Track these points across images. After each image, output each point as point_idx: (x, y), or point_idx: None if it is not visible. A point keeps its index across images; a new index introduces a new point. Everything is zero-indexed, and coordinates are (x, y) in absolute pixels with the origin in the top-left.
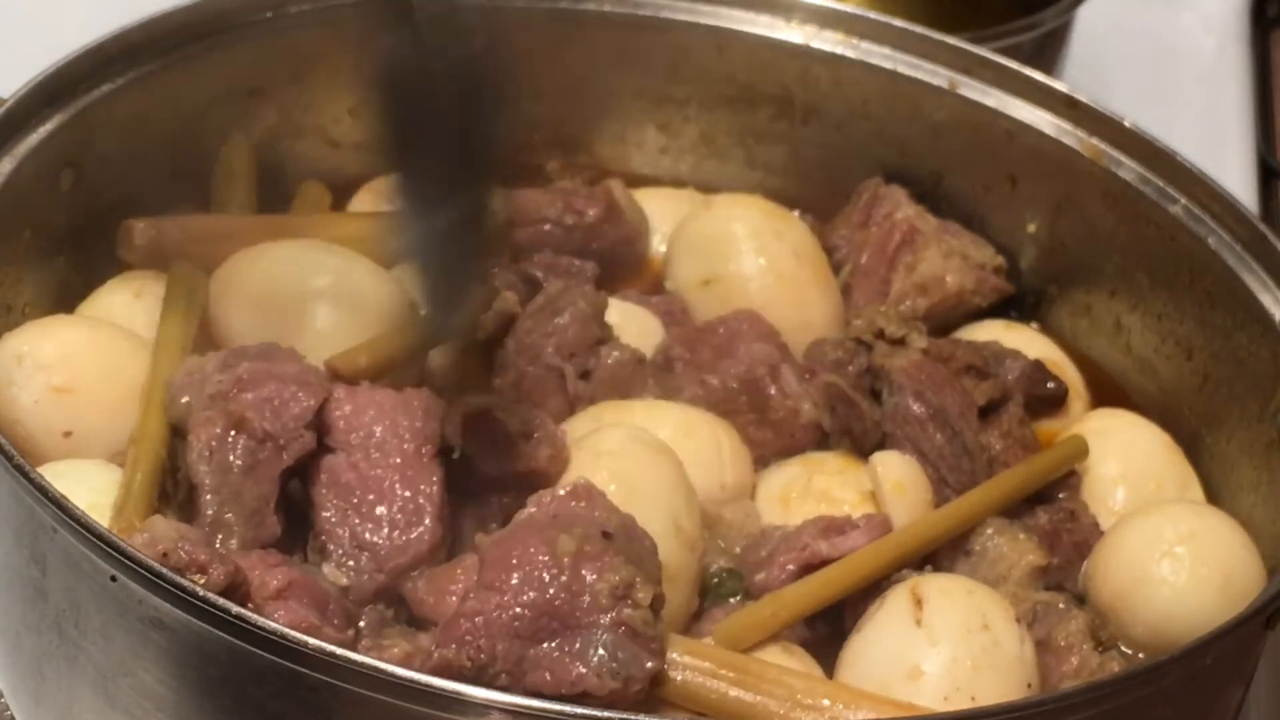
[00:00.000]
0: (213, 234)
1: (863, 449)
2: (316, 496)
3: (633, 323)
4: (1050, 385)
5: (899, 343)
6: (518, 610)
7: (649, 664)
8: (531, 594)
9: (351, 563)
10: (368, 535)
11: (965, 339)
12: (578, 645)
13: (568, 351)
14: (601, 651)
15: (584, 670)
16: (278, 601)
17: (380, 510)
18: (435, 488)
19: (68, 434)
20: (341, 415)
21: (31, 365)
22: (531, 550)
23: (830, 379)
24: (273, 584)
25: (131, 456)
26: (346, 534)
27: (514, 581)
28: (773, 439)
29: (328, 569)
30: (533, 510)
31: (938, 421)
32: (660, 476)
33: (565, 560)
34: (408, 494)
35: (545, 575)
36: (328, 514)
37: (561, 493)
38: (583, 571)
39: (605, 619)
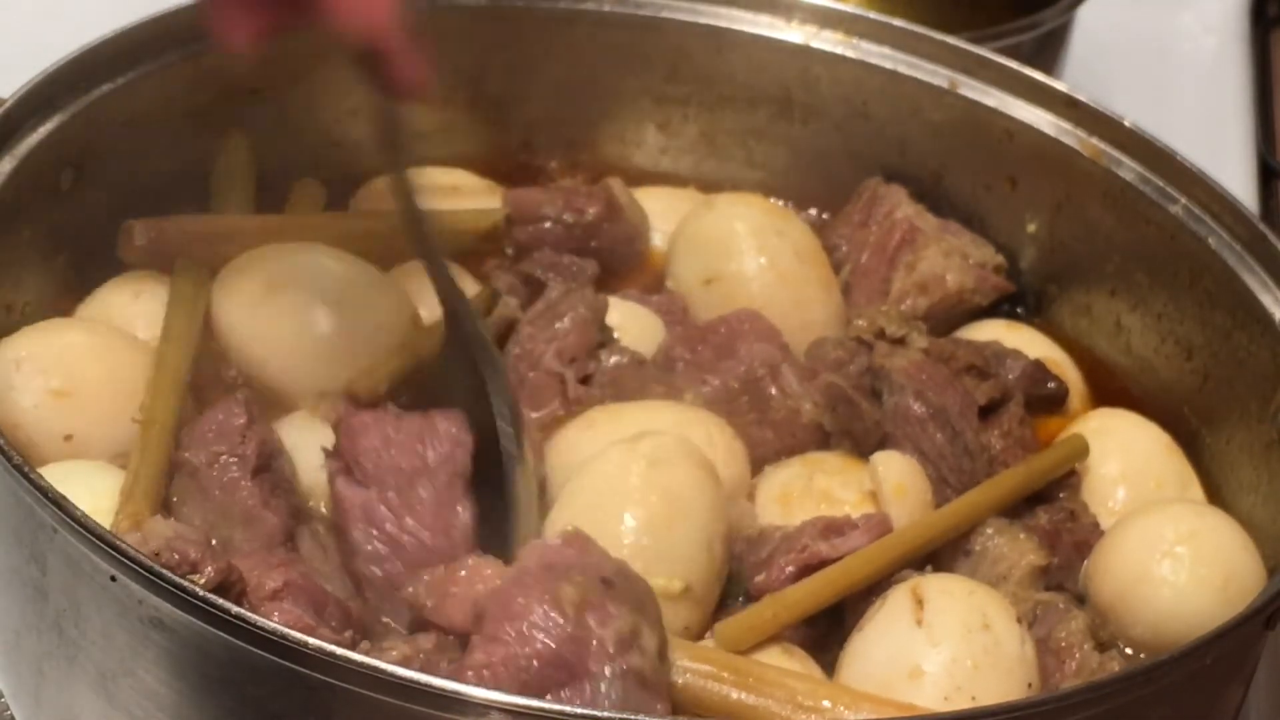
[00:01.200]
0: (212, 234)
1: (863, 449)
2: (352, 536)
3: (634, 322)
4: (1051, 385)
5: (899, 342)
6: (524, 662)
7: (659, 708)
8: (539, 645)
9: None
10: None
11: (966, 339)
12: (587, 695)
13: (568, 356)
14: (612, 701)
15: (598, 711)
16: (274, 602)
17: (415, 549)
18: (467, 520)
19: (68, 437)
20: (370, 448)
21: (30, 369)
22: (534, 601)
23: (831, 379)
24: (269, 585)
25: (140, 443)
26: (381, 575)
27: (519, 633)
28: (773, 439)
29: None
30: (526, 563)
31: (938, 421)
32: (704, 495)
33: (569, 610)
34: (441, 527)
35: (551, 626)
36: (366, 553)
37: (554, 542)
38: (588, 620)
39: (613, 668)
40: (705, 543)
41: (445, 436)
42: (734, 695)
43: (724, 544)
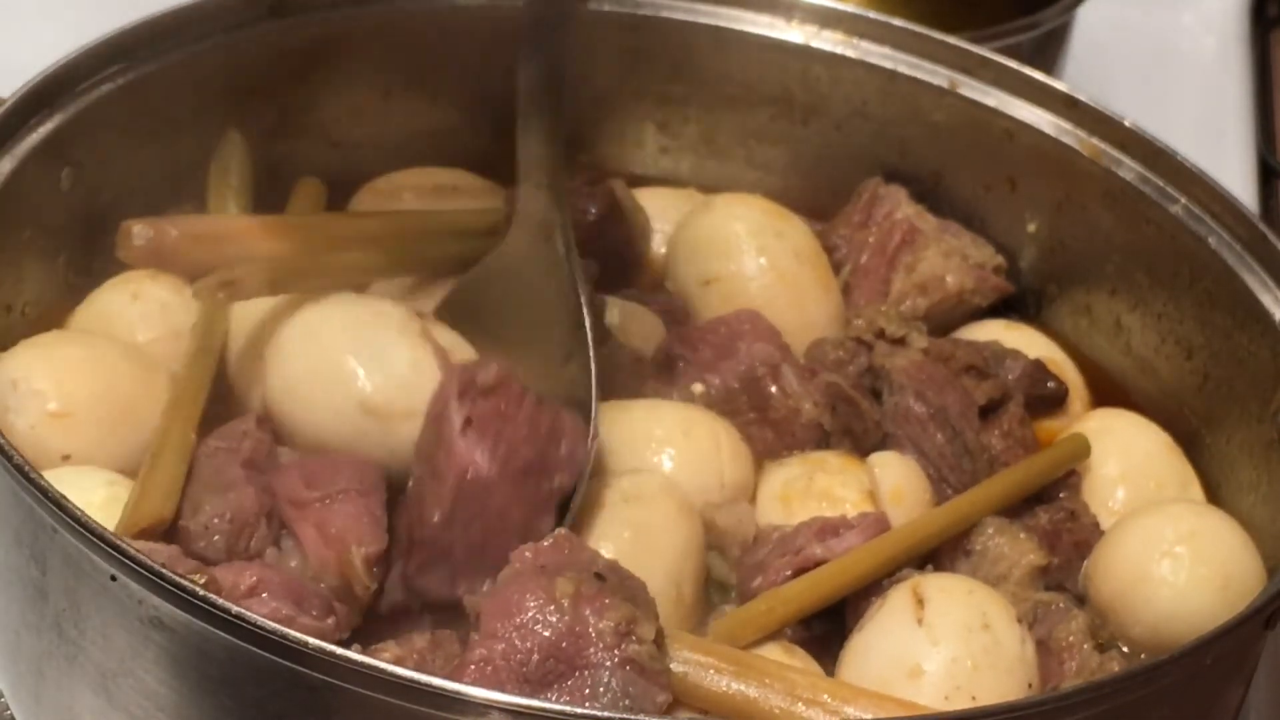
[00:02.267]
0: (211, 234)
1: (863, 448)
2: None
3: (635, 322)
4: (1050, 385)
5: (899, 342)
6: (523, 656)
7: (660, 698)
8: (536, 639)
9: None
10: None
11: (965, 339)
12: (588, 686)
13: None
14: (613, 690)
15: (598, 711)
16: (250, 599)
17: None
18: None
19: (66, 457)
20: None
21: (27, 390)
22: (528, 597)
23: (831, 378)
24: (243, 585)
25: (156, 444)
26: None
27: (517, 628)
28: (773, 438)
29: None
30: (517, 565)
31: (938, 421)
32: (678, 535)
33: (565, 603)
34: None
35: (547, 619)
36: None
37: (545, 544)
38: (584, 612)
39: (611, 658)
40: (674, 584)
41: (572, 437)
42: (734, 687)
43: (697, 589)
